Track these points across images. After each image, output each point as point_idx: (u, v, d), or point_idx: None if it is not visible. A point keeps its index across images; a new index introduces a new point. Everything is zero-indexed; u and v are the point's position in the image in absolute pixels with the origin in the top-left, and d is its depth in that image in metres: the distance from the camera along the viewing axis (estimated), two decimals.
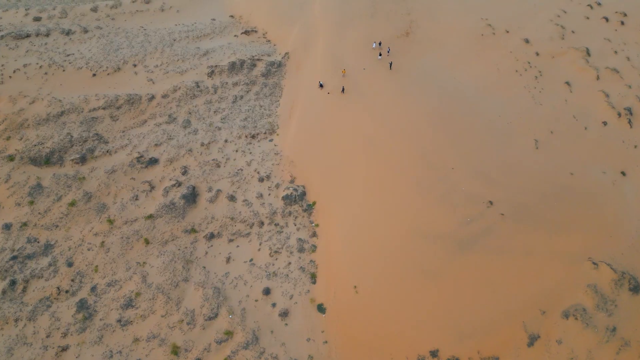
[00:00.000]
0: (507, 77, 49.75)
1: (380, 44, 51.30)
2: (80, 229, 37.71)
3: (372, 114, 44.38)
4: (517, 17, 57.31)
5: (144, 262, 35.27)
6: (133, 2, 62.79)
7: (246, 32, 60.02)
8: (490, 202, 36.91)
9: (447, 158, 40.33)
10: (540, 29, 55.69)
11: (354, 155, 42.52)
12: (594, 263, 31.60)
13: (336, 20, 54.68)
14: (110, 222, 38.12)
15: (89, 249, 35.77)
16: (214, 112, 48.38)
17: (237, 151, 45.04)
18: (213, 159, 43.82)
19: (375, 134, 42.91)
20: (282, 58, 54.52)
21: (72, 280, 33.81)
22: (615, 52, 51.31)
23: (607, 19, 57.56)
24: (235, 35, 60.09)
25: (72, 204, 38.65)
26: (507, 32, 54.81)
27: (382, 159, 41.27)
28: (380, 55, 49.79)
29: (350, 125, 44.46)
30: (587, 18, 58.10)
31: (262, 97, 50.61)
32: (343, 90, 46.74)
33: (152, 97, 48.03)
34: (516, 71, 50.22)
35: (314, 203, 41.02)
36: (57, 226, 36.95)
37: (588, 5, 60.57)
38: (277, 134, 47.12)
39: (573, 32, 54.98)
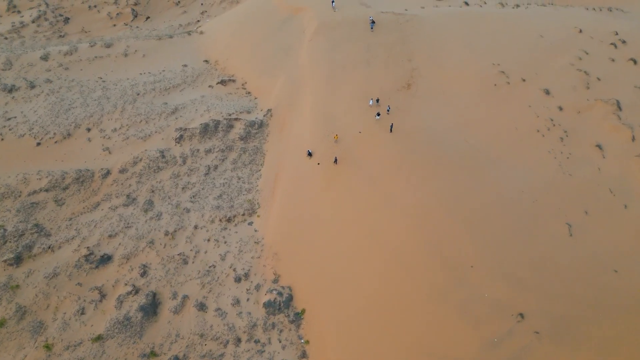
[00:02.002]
0: (527, 138, 45.20)
1: (378, 100, 46.60)
2: (10, 358, 31.73)
3: (371, 192, 39.41)
4: (533, 61, 53.12)
5: None
6: (91, 46, 57.79)
7: (222, 82, 55.15)
8: (521, 315, 31.83)
9: (465, 252, 35.26)
10: (561, 75, 51.50)
11: (350, 247, 37.34)
12: None
13: (326, 70, 50.05)
14: (48, 347, 32.43)
15: None
16: (183, 188, 43.02)
17: (209, 240, 39.59)
18: (179, 253, 38.29)
19: (375, 219, 37.87)
20: (264, 116, 49.57)
21: None
22: None
23: (634, 61, 53.66)
24: (209, 86, 55.17)
25: (1, 324, 32.73)
26: (524, 80, 50.52)
27: (386, 253, 36.18)
28: (378, 114, 45.06)
29: (345, 207, 39.37)
30: (613, 60, 54.17)
31: (241, 166, 45.44)
32: (336, 160, 41.79)
33: (108, 173, 42.63)
34: (538, 131, 45.70)
35: (303, 311, 35.57)
36: None
37: (611, 43, 56.78)
38: (258, 215, 41.79)
39: (599, 79, 50.86)
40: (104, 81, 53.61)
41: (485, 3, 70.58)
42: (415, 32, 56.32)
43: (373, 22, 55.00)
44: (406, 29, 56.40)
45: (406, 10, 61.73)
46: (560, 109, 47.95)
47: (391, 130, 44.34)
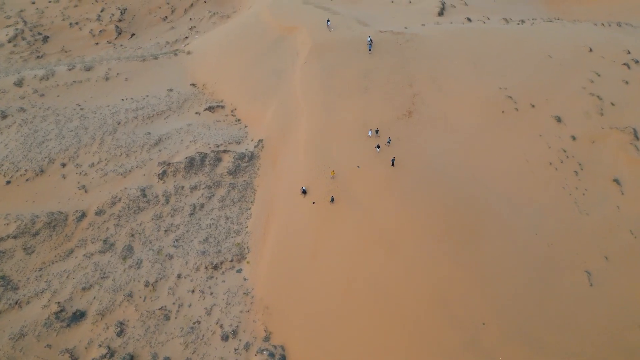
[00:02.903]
0: (539, 172, 42.85)
1: (377, 131, 44.14)
2: None
3: (372, 238, 36.75)
4: (542, 85, 50.96)
5: None
6: (70, 70, 55.19)
7: (210, 109, 52.62)
8: None
9: (475, 308, 32.76)
10: (573, 100, 49.34)
11: (350, 300, 34.63)
12: None
13: (321, 97, 47.65)
14: None
15: None
16: (165, 231, 40.31)
17: (193, 292, 36.86)
18: (160, 307, 35.55)
19: (377, 269, 35.31)
20: (255, 147, 47.02)
21: None
22: None
23: None
24: (197, 113, 52.63)
25: None
26: (533, 106, 48.29)
27: (389, 309, 33.57)
28: (378, 147, 42.52)
29: (344, 255, 36.73)
30: (626, 83, 52.12)
31: (229, 204, 42.77)
32: (332, 200, 39.14)
33: (83, 216, 39.90)
34: (550, 163, 43.36)
35: None
36: None
37: (624, 64, 54.79)
38: (248, 262, 39.09)
39: (613, 104, 48.70)
40: (82, 109, 50.96)
41: (488, 19, 68.58)
42: (416, 53, 54.08)
43: (371, 42, 52.66)
44: (406, 50, 54.15)
45: (406, 28, 59.61)
46: (574, 138, 45.69)
47: (393, 165, 41.81)
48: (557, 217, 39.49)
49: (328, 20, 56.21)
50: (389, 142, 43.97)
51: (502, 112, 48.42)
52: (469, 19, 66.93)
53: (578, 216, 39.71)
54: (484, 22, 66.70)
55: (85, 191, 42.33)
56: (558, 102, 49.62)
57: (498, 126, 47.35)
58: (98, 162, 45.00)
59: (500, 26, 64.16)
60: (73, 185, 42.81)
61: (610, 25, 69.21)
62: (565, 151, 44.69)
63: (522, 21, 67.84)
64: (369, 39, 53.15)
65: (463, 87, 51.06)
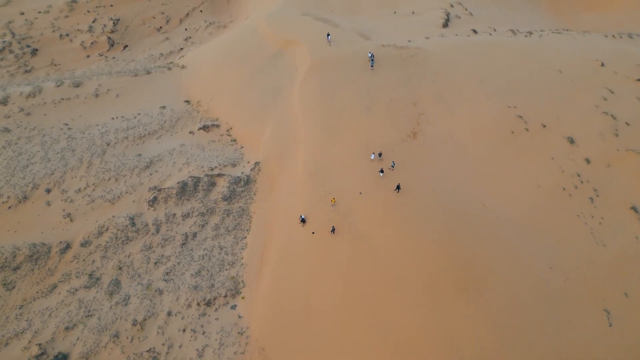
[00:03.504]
0: (552, 198, 41.04)
1: (380, 155, 42.34)
2: None
3: (375, 272, 34.95)
4: (553, 103, 49.23)
5: None
6: (58, 86, 53.45)
7: (205, 128, 50.84)
8: None
9: (488, 351, 30.96)
10: (585, 119, 47.62)
11: (351, 341, 32.68)
12: None
13: (321, 117, 45.92)
14: None
15: None
16: (155, 263, 38.43)
17: (184, 331, 34.93)
18: (149, 350, 33.63)
19: (381, 306, 33.46)
20: (252, 170, 45.20)
21: None
22: None
23: None
24: (190, 132, 50.83)
25: None
26: (544, 126, 46.54)
27: (393, 350, 31.59)
28: (381, 171, 40.66)
29: (345, 290, 34.83)
30: None
31: (224, 232, 40.91)
32: (333, 230, 37.26)
33: (67, 247, 38.06)
34: (564, 189, 41.54)
35: None
36: None
37: (638, 79, 52.98)
38: (243, 297, 37.21)
39: (627, 124, 46.99)
40: (70, 128, 49.17)
41: (494, 30, 66.96)
42: (420, 69, 52.40)
43: (373, 58, 50.97)
44: (410, 65, 52.47)
45: (409, 41, 57.98)
46: (588, 161, 43.89)
47: (398, 191, 39.96)
48: (572, 249, 37.61)
49: (328, 35, 54.53)
50: (392, 166, 42.19)
51: (512, 132, 46.67)
52: (475, 31, 65.31)
53: (594, 247, 37.83)
54: (490, 34, 65.10)
55: (71, 220, 40.44)
56: (570, 121, 47.86)
57: (508, 148, 45.56)
58: (85, 188, 43.14)
59: (507, 39, 62.52)
60: (58, 213, 40.91)
61: (621, 37, 67.68)
62: (579, 175, 42.87)
63: (530, 33, 66.25)
64: (369, 55, 51.47)
65: (470, 105, 49.32)
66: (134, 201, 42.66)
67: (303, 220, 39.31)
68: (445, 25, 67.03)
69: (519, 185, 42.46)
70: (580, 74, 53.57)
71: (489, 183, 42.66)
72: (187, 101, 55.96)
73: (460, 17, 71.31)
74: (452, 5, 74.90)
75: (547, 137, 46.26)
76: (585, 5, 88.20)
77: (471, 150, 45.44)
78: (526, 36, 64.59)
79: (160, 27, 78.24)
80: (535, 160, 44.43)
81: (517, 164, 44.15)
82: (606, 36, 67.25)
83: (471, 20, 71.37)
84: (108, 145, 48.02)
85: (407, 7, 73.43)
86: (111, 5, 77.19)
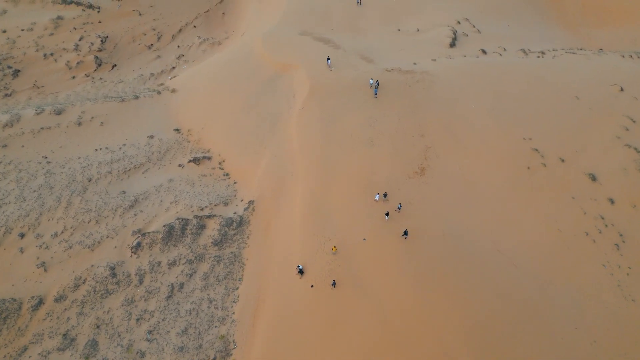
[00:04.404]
0: (574, 245, 38.16)
1: (385, 195, 39.41)
2: None
3: (381, 331, 32.00)
4: (571, 133, 46.47)
5: None
6: (38, 113, 50.66)
7: (195, 160, 47.96)
8: None
9: None
10: (607, 153, 44.87)
11: None
12: None
13: (321, 151, 43.16)
14: None
15: None
16: (137, 320, 35.37)
17: None
18: None
19: None
20: (245, 210, 42.23)
21: None
22: None
23: None
24: (180, 165, 47.95)
25: None
26: (563, 161, 43.70)
27: None
28: (387, 214, 37.70)
29: (348, 353, 31.61)
30: None
31: (213, 282, 37.88)
32: (334, 284, 34.23)
33: (40, 303, 35.08)
34: (587, 234, 38.62)
35: None
36: None
37: None
38: None
39: None
40: (49, 162, 46.29)
41: (505, 50, 64.23)
42: (427, 96, 49.65)
43: (377, 85, 48.14)
44: (416, 92, 49.71)
45: (415, 64, 55.24)
46: (612, 201, 40.97)
47: (405, 237, 37.00)
48: (598, 305, 34.62)
49: (328, 59, 51.78)
50: (399, 209, 39.27)
51: (528, 168, 43.80)
52: (484, 51, 62.61)
53: (623, 303, 34.82)
54: (501, 55, 62.38)
55: (45, 270, 37.42)
56: (591, 155, 45.03)
57: (524, 186, 42.67)
58: (62, 232, 40.16)
59: (518, 60, 59.86)
60: (31, 261, 37.93)
61: (639, 57, 64.87)
62: (603, 218, 39.93)
63: (542, 53, 63.53)
64: (371, 82, 48.74)
65: (481, 137, 46.50)
66: (115, 247, 39.66)
67: (301, 271, 36.34)
68: (453, 44, 64.29)
69: (537, 229, 39.54)
70: (598, 101, 50.78)
71: (504, 226, 39.78)
72: (177, 129, 53.07)
73: (467, 35, 68.62)
74: (458, 22, 72.25)
75: (566, 174, 43.38)
76: (597, 20, 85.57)
77: (484, 188, 42.56)
78: (538, 57, 61.87)
79: (152, 45, 75.56)
80: (554, 200, 41.54)
81: (535, 205, 41.26)
82: (623, 57, 64.50)
83: (479, 38, 68.67)
84: (90, 181, 45.09)
85: (411, 24, 70.75)
86: (99, 22, 74.58)
